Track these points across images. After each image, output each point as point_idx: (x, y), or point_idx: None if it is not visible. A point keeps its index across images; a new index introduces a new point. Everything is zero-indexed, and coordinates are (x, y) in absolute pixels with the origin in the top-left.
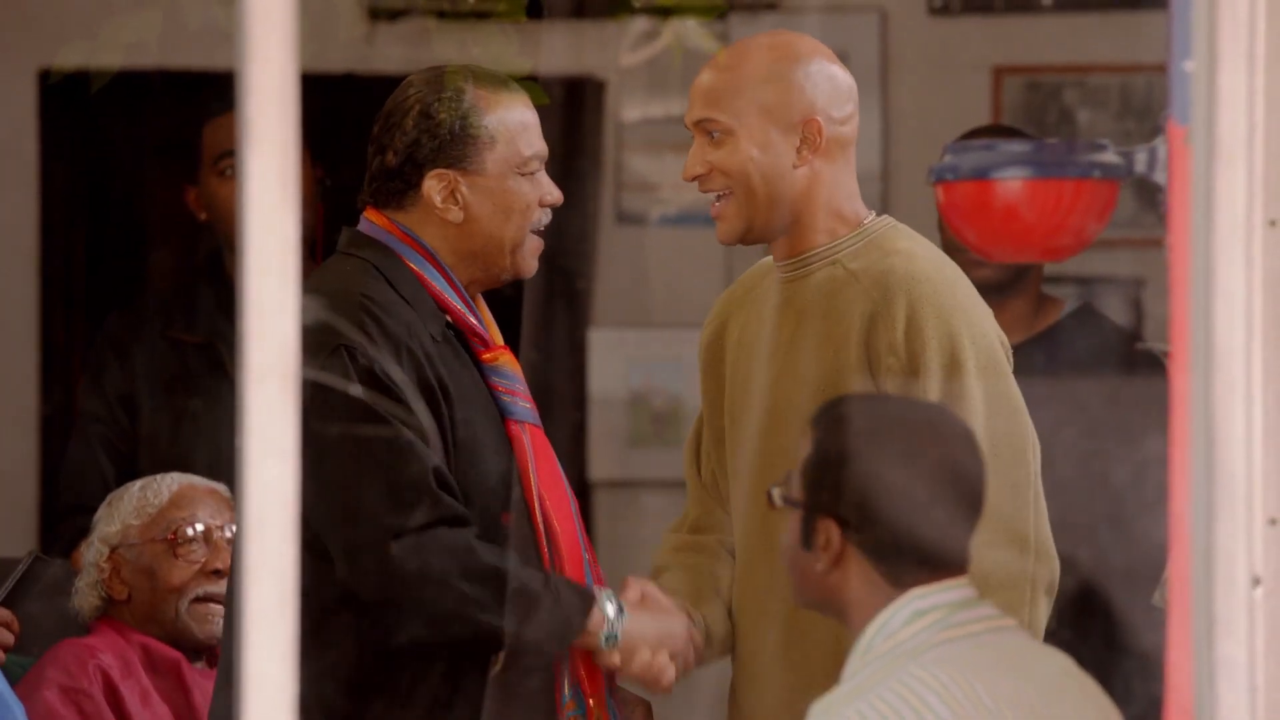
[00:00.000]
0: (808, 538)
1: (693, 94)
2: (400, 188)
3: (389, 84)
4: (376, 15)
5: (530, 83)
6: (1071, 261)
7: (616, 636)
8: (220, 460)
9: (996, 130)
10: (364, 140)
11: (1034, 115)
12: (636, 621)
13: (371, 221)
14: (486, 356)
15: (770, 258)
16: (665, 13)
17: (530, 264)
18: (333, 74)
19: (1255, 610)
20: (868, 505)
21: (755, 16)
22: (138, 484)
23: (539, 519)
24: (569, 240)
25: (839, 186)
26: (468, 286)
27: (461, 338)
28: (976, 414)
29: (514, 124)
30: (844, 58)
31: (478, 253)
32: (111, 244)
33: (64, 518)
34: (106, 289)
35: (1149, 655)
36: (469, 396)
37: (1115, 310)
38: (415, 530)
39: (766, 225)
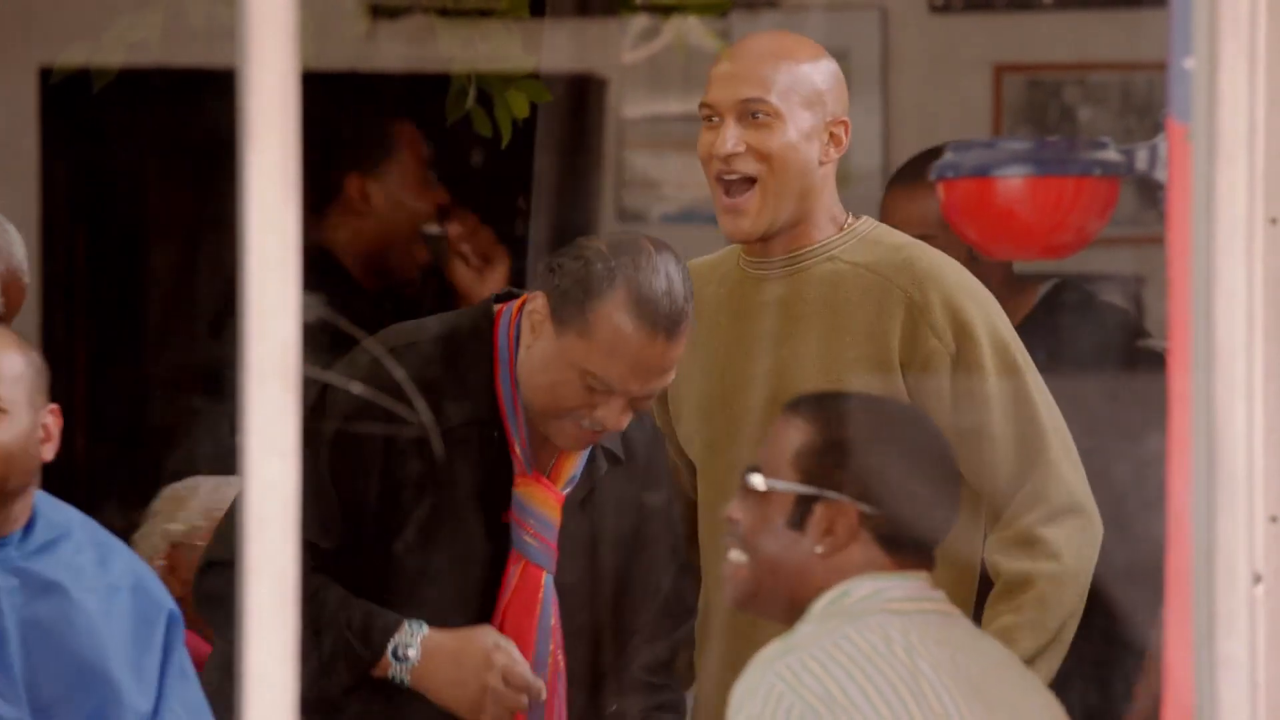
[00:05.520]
0: (802, 521)
1: (735, 75)
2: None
3: (391, 82)
4: (378, 13)
5: (532, 80)
6: (1072, 259)
7: (404, 680)
8: None
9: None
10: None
11: (1035, 113)
12: (431, 663)
13: (511, 305)
14: (518, 483)
15: (700, 259)
16: (667, 10)
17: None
18: (334, 71)
19: (1256, 608)
20: (887, 488)
21: (756, 15)
22: (208, 484)
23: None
24: (570, 237)
25: (833, 188)
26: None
27: (507, 451)
28: (1033, 397)
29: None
30: (845, 56)
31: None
32: (111, 244)
33: None
34: (106, 289)
35: (1149, 653)
36: (453, 492)
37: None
38: (211, 565)
39: (784, 221)
